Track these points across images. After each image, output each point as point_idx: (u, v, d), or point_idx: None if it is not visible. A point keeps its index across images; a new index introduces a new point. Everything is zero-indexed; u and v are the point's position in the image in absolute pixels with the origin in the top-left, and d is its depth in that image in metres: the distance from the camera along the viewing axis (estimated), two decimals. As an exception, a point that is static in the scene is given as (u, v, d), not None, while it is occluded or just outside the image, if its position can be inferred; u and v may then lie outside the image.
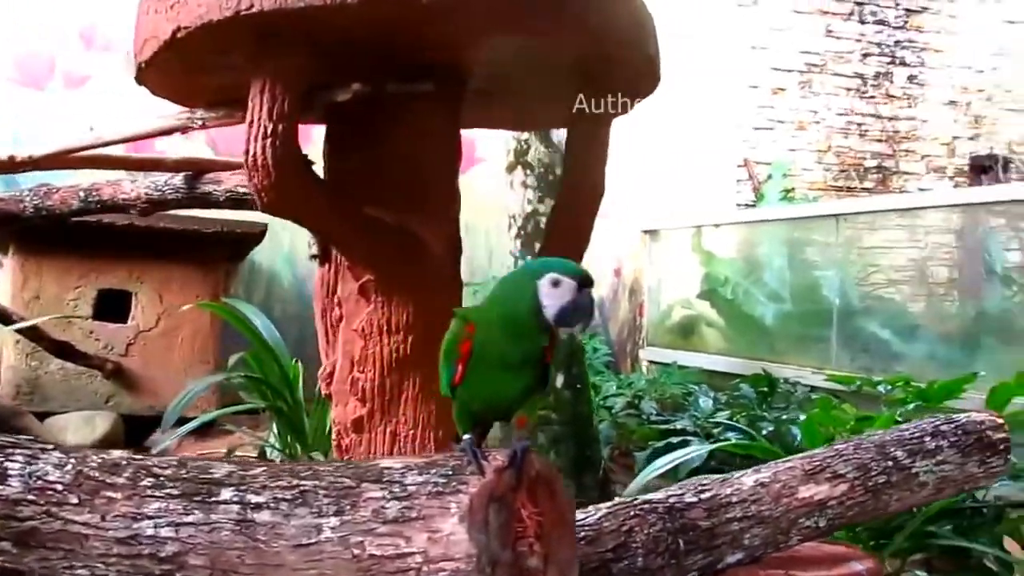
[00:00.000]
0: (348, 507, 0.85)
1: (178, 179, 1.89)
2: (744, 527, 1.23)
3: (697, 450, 2.67)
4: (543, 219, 3.40)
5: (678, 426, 3.58)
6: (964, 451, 1.44)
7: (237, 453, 3.19)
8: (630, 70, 1.57)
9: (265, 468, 0.91)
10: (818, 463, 1.35)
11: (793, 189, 6.70)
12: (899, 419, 2.74)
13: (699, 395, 3.90)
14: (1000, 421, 1.56)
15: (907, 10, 7.68)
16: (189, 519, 0.87)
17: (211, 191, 1.89)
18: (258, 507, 0.86)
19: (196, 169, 1.89)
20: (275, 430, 3.32)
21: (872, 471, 1.36)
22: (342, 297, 1.68)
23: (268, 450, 3.37)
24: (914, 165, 7.89)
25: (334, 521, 0.84)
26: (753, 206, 6.58)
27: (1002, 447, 1.50)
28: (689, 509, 1.21)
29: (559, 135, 3.46)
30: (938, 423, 1.50)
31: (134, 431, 3.45)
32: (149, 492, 0.90)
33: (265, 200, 1.37)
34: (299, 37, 1.34)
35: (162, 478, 0.91)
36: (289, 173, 1.36)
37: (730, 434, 3.35)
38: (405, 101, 1.57)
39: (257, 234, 3.75)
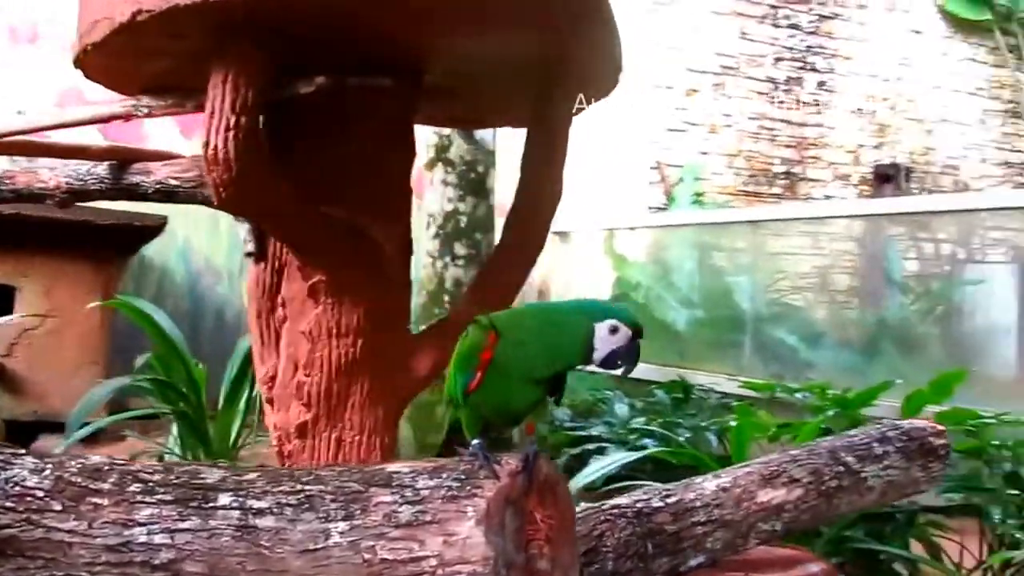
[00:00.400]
0: (358, 512, 0.89)
1: (102, 168, 1.86)
2: (707, 531, 1.33)
3: (627, 457, 2.78)
4: (464, 218, 3.46)
5: (594, 432, 3.71)
6: (909, 456, 1.59)
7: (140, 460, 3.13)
8: (592, 69, 1.65)
9: (260, 473, 0.94)
10: (775, 468, 1.47)
11: (704, 193, 6.98)
12: (823, 427, 2.94)
13: (614, 401, 4.04)
14: (941, 428, 1.73)
15: (820, 16, 8.10)
16: (185, 525, 0.90)
17: (139, 182, 1.86)
18: (260, 512, 0.90)
19: (123, 158, 1.86)
20: (176, 435, 3.27)
21: (825, 476, 1.49)
22: (287, 298, 1.70)
23: (168, 456, 3.32)
24: (820, 172, 8.32)
25: (343, 526, 0.89)
26: (664, 209, 6.83)
27: (942, 452, 1.66)
28: (656, 513, 1.31)
29: (481, 132, 3.53)
30: (885, 430, 1.64)
31: (16, 437, 3.33)
32: (139, 498, 0.92)
33: (224, 195, 1.39)
34: (265, 26, 1.36)
35: (151, 484, 0.94)
36: (251, 168, 1.39)
37: (647, 441, 3.50)
38: (361, 97, 1.61)
39: (155, 227, 3.68)
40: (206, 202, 1.82)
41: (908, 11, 8.93)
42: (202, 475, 0.95)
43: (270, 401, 1.73)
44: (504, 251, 1.75)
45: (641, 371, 4.74)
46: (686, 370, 4.52)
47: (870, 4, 8.56)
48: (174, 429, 3.33)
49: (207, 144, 1.38)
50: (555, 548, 0.93)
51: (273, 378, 1.72)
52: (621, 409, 3.85)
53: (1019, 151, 9.93)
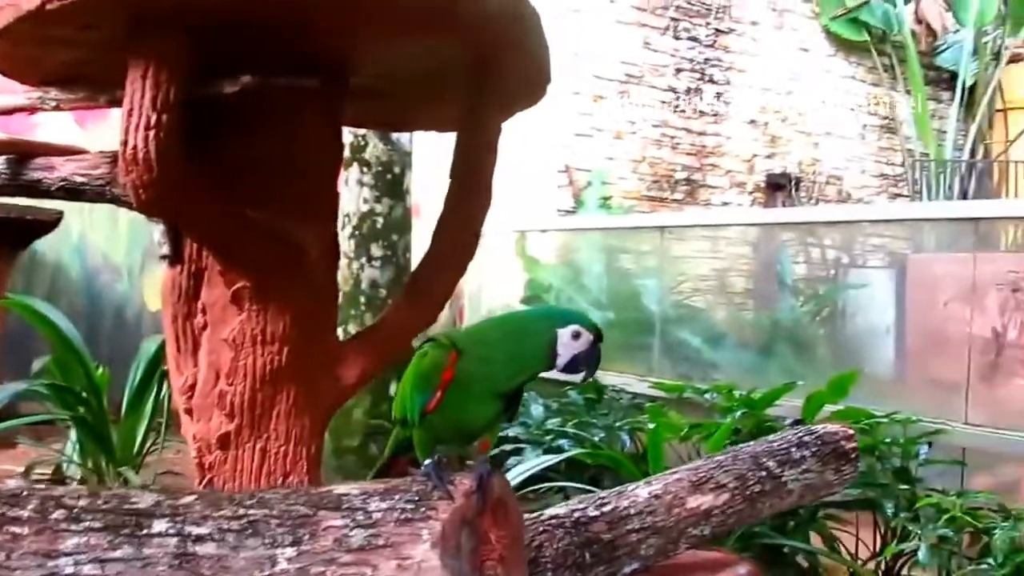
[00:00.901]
0: (306, 536, 0.83)
1: (0, 163, 1.72)
2: (641, 538, 1.32)
3: (549, 460, 2.77)
4: (380, 219, 3.38)
5: (510, 434, 3.68)
6: (823, 460, 1.62)
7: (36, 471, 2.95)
8: (521, 76, 1.62)
9: (198, 497, 0.87)
10: (703, 474, 1.47)
11: (611, 197, 7.06)
12: (739, 428, 2.99)
13: (529, 402, 4.02)
14: (851, 432, 1.76)
15: (717, 30, 8.29)
16: (117, 554, 0.82)
17: (41, 178, 1.72)
18: (200, 539, 0.83)
19: (23, 152, 1.72)
20: (75, 442, 3.09)
21: (749, 481, 1.49)
22: (207, 303, 1.61)
23: (66, 466, 3.13)
24: (718, 179, 8.53)
25: (290, 552, 0.82)
26: (573, 212, 6.87)
27: (853, 456, 1.69)
28: (592, 523, 1.28)
29: (398, 133, 3.45)
30: (801, 435, 1.67)
31: None
32: (63, 526, 0.84)
33: (143, 197, 1.30)
34: (189, 19, 1.28)
35: (76, 510, 0.85)
36: (173, 169, 1.30)
37: (563, 442, 3.50)
38: (288, 97, 1.53)
39: (50, 222, 3.47)
40: (116, 201, 1.71)
41: (796, 29, 9.24)
42: (133, 499, 0.87)
43: (189, 411, 1.63)
44: (434, 258, 1.69)
45: (553, 371, 4.68)
46: (599, 371, 4.54)
47: (762, 21, 8.82)
48: (72, 435, 3.14)
49: (125, 143, 1.28)
50: (508, 567, 0.89)
51: (193, 387, 1.62)
52: (536, 410, 3.84)
53: (894, 164, 10.40)
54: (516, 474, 2.62)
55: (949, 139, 9.89)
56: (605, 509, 1.32)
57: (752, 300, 6.41)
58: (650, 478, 1.47)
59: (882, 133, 10.25)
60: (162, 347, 3.02)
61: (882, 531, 2.88)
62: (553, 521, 1.26)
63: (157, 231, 1.78)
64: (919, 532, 2.42)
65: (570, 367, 1.19)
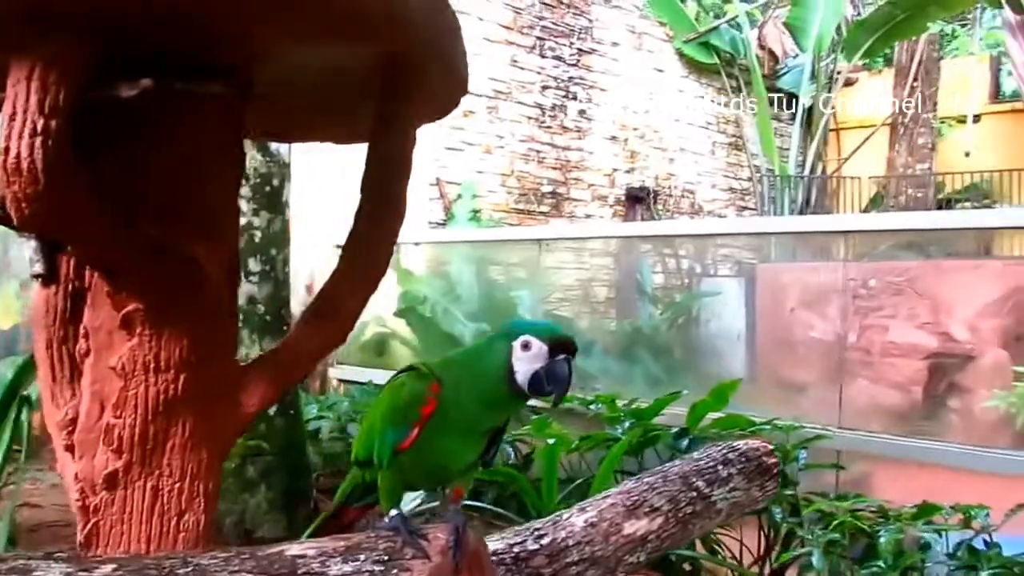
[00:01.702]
0: (259, 607, 0.71)
1: None
2: (581, 570, 1.25)
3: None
4: (258, 233, 3.19)
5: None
6: (749, 477, 1.60)
7: None
8: (439, 79, 1.52)
9: (117, 566, 0.73)
10: (636, 498, 1.41)
11: (481, 210, 7.02)
12: (633, 441, 2.97)
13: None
14: (771, 448, 1.76)
15: (580, 50, 8.43)
16: (25, 641, 0.68)
17: None
18: (129, 616, 0.69)
19: None
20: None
21: (681, 503, 1.45)
22: (91, 327, 1.43)
23: (-95, 505, 2.77)
24: (582, 193, 8.66)
25: (240, 625, 0.70)
26: (444, 224, 6.79)
27: (775, 471, 1.68)
28: (532, 557, 1.21)
29: (276, 144, 3.28)
30: (726, 451, 1.64)
31: None
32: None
33: (27, 211, 1.13)
34: (80, 16, 1.12)
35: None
36: (61, 180, 1.13)
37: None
38: (187, 102, 1.38)
39: None
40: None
41: (652, 51, 9.53)
42: (37, 572, 0.72)
43: (69, 448, 1.44)
44: (343, 276, 1.57)
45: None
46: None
47: (621, 42, 9.03)
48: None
49: (7, 151, 1.11)
50: (484, 624, 0.80)
51: (74, 421, 1.43)
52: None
53: (740, 179, 10.88)
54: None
55: (792, 156, 10.44)
56: (544, 542, 1.24)
57: (614, 308, 6.51)
58: (584, 503, 1.40)
59: (730, 150, 10.71)
60: (20, 371, 2.73)
61: (767, 535, 2.93)
62: (494, 558, 1.17)
63: (28, 247, 1.59)
64: (808, 537, 2.45)
65: (534, 386, 1.03)
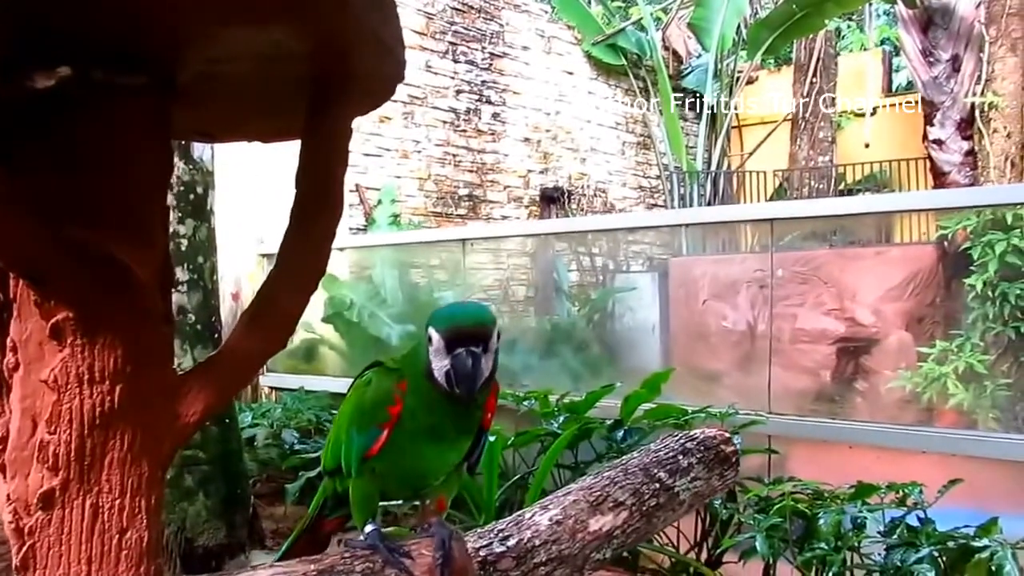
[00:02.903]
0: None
1: None
2: (549, 570, 1.21)
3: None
4: (184, 242, 3.06)
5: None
6: (709, 466, 1.58)
7: None
8: (377, 67, 1.46)
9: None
10: (599, 493, 1.38)
11: (400, 214, 6.92)
12: (561, 431, 2.95)
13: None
14: (728, 435, 1.74)
15: (492, 54, 8.41)
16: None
17: None
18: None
19: None
20: None
21: (645, 495, 1.42)
22: (18, 340, 1.33)
23: None
24: (498, 194, 8.64)
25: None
26: (365, 230, 6.67)
27: (734, 460, 1.67)
28: (499, 560, 1.16)
29: (200, 150, 3.16)
30: (683, 441, 1.62)
31: None
32: None
33: (-57, 215, 1.03)
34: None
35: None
36: (-19, 180, 1.04)
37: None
38: (109, 95, 1.29)
39: None
40: None
41: (562, 54, 9.58)
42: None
43: (1, 468, 1.33)
44: (280, 277, 1.49)
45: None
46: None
47: (532, 46, 9.06)
48: None
49: (-82, 149, 1.01)
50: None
51: (4, 439, 1.33)
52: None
53: (649, 177, 11.05)
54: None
55: (698, 153, 10.64)
56: (510, 543, 1.19)
57: (532, 306, 6.53)
58: (545, 501, 1.36)
59: (639, 149, 10.86)
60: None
61: (704, 521, 2.94)
62: (457, 555, 1.12)
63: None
64: (748, 522, 2.45)
65: (449, 381, 0.93)
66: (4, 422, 1.34)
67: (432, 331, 0.95)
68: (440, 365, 0.95)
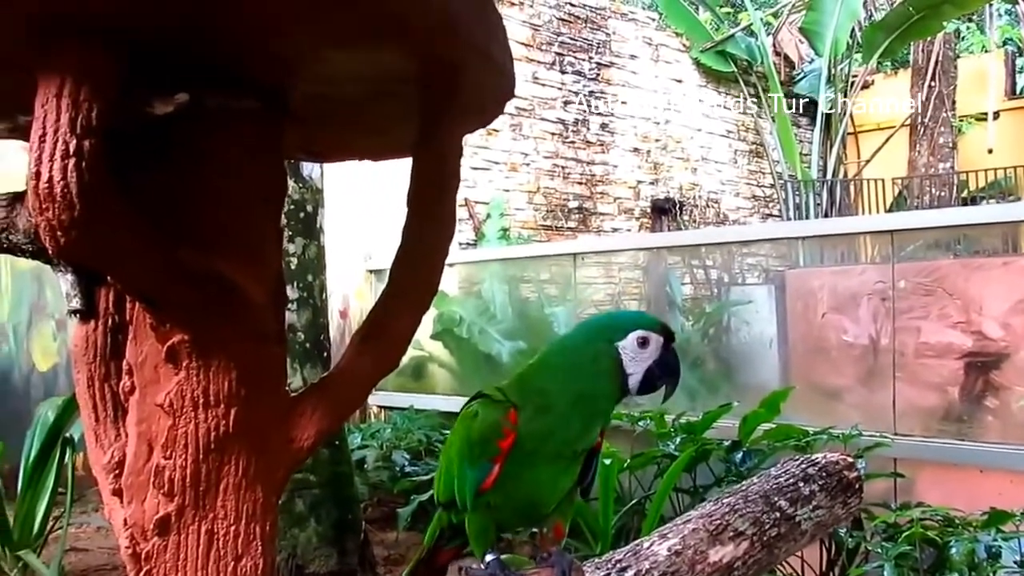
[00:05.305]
0: None
1: None
2: (670, 603, 1.12)
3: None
4: (294, 260, 3.10)
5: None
6: (831, 494, 1.46)
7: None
8: (487, 83, 1.41)
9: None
10: (719, 522, 1.28)
11: (509, 228, 6.91)
12: (679, 453, 2.84)
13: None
14: (851, 460, 1.62)
15: (599, 64, 8.34)
16: None
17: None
18: None
19: None
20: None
21: (765, 524, 1.32)
22: (134, 363, 1.33)
23: (-48, 553, 2.68)
24: (608, 206, 8.54)
25: None
26: (474, 244, 6.69)
27: (857, 486, 1.54)
28: (621, 591, 1.07)
29: (309, 168, 3.20)
30: (804, 467, 1.51)
31: None
32: None
33: (63, 241, 1.03)
34: (118, 27, 1.02)
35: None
36: (98, 205, 1.03)
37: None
38: (222, 121, 1.28)
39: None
40: (14, 251, 1.42)
41: (670, 62, 9.43)
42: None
43: (117, 493, 1.34)
44: (392, 297, 1.46)
45: (463, 405, 4.41)
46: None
47: (639, 55, 8.93)
48: (-39, 518, 2.69)
49: (37, 176, 1.01)
50: None
51: (121, 463, 1.33)
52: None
53: (763, 186, 10.72)
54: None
55: (813, 161, 10.27)
56: (628, 575, 1.11)
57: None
58: (663, 529, 1.27)
59: (752, 157, 10.57)
60: (62, 412, 2.64)
61: (829, 550, 2.78)
62: (578, 594, 1.05)
63: (65, 281, 1.49)
64: (876, 551, 2.31)
65: (645, 386, 0.94)
66: (120, 446, 1.34)
67: (644, 332, 0.94)
68: (643, 367, 0.94)
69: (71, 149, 1.01)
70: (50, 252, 1.07)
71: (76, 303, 1.46)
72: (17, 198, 1.37)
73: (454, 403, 5.05)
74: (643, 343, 0.93)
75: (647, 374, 0.93)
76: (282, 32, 1.20)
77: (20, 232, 1.38)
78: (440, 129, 1.43)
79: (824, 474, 1.51)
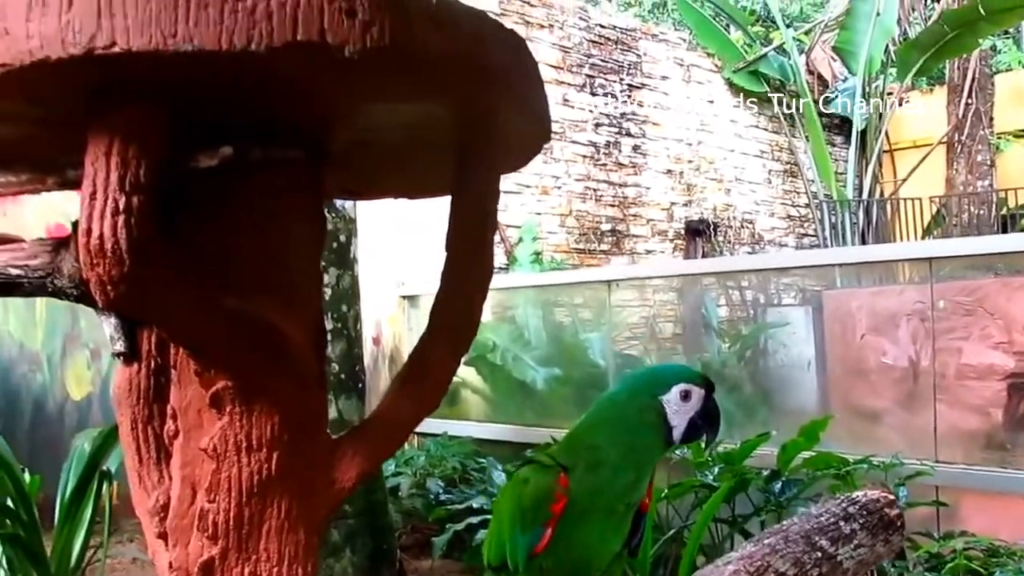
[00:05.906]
0: None
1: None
2: (716, 651, 1.11)
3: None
4: (328, 291, 3.14)
5: (475, 504, 3.43)
6: (872, 532, 1.45)
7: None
8: (523, 127, 1.44)
9: None
10: (759, 563, 1.27)
11: (542, 252, 6.93)
12: (717, 483, 2.81)
13: (490, 469, 3.78)
14: (892, 497, 1.61)
15: (630, 85, 8.36)
16: None
17: (-32, 272, 1.45)
18: None
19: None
20: (2, 563, 2.70)
21: (807, 565, 1.31)
22: (179, 407, 1.36)
23: (-5, 584, 2.73)
24: (641, 228, 8.52)
25: None
26: (506, 269, 6.71)
27: (899, 524, 1.53)
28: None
29: (344, 201, 3.24)
30: (845, 505, 1.50)
31: None
32: None
33: (113, 294, 1.06)
34: (165, 86, 1.05)
35: None
36: (148, 260, 1.06)
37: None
38: (265, 171, 1.31)
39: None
40: (59, 295, 1.45)
41: (702, 83, 9.42)
42: None
43: (162, 536, 1.36)
44: (432, 339, 1.47)
45: (510, 434, 4.49)
46: (551, 429, 4.36)
47: (671, 76, 8.94)
48: (-1, 554, 2.74)
49: (88, 232, 1.04)
50: None
51: (166, 507, 1.36)
52: (499, 476, 3.59)
53: (798, 206, 10.64)
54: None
55: (848, 180, 10.19)
56: (670, 622, 1.11)
57: (681, 344, 6.36)
58: (705, 571, 1.27)
59: (786, 177, 10.50)
60: (99, 445, 2.69)
61: (874, 581, 2.74)
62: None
63: (108, 324, 1.53)
64: (924, 583, 2.27)
65: (689, 435, 1.00)
66: (165, 489, 1.37)
67: (688, 386, 1.00)
68: (686, 418, 1.00)
69: (121, 206, 1.04)
70: (100, 305, 1.10)
71: (120, 346, 1.49)
72: (62, 243, 1.41)
73: (488, 430, 5.05)
74: (686, 396, 0.98)
75: (690, 424, 0.99)
76: (328, 93, 1.23)
77: (65, 277, 1.42)
78: (477, 173, 1.45)
79: (865, 512, 1.49)
